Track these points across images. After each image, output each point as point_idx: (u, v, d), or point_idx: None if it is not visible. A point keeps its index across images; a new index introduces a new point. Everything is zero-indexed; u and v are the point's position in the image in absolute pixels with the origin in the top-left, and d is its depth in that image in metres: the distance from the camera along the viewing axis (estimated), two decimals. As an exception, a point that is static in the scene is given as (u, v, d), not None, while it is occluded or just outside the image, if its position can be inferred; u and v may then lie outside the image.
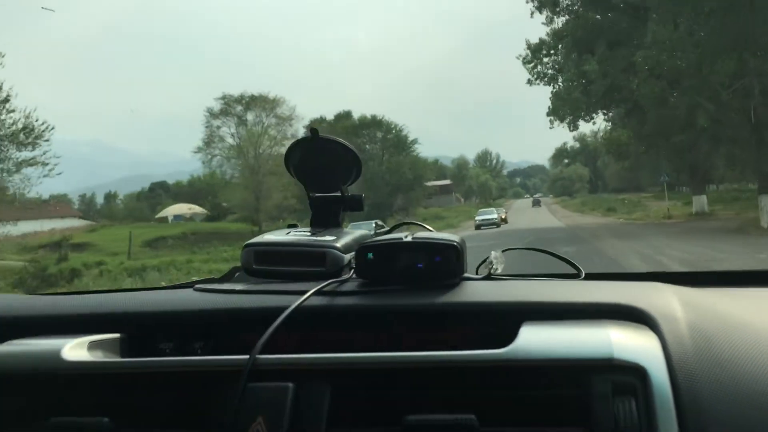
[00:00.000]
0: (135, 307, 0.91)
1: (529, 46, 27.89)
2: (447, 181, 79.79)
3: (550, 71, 27.70)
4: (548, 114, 27.32)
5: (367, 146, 48.40)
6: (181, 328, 0.85)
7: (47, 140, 17.04)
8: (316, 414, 0.67)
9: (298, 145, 1.09)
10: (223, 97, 43.14)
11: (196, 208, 58.05)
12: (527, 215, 50.60)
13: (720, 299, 0.83)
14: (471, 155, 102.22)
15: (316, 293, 0.82)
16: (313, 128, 1.06)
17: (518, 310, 0.76)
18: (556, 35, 26.09)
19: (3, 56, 16.21)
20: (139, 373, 0.75)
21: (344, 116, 51.65)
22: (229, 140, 43.31)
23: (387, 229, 1.22)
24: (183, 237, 33.91)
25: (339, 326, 0.81)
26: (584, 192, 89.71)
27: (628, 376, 0.63)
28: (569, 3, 25.75)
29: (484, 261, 1.00)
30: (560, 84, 26.18)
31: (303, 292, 0.81)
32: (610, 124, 31.62)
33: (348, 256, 0.96)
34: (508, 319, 0.74)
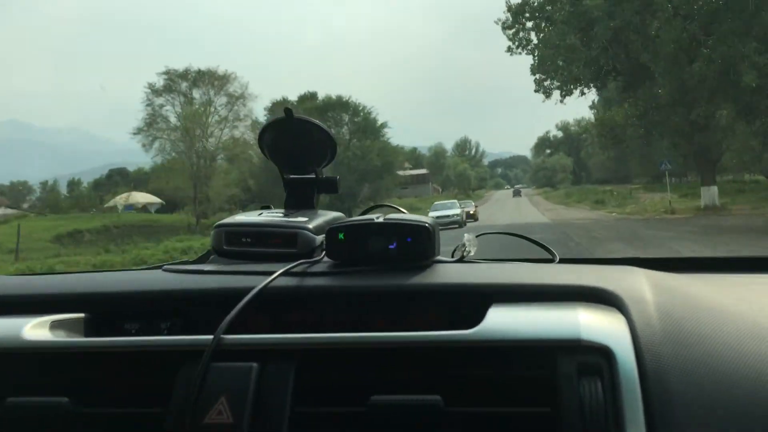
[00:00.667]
0: (101, 287, 0.90)
1: (510, 8, 23.29)
2: (423, 171, 75.34)
3: (534, 38, 23.15)
4: (534, 71, 22.63)
5: (332, 130, 43.65)
6: (148, 309, 0.84)
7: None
8: (281, 394, 0.67)
9: (272, 125, 1.08)
10: (167, 72, 38.08)
11: (151, 197, 53.05)
12: (507, 208, 46.31)
13: (691, 284, 0.82)
14: (450, 145, 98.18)
15: (284, 274, 0.82)
16: (288, 108, 1.04)
17: (488, 292, 0.76)
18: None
19: None
20: (101, 353, 0.75)
21: (309, 97, 46.86)
22: (174, 120, 38.30)
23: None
24: (105, 231, 28.98)
25: (308, 307, 0.81)
26: (567, 183, 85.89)
27: (594, 357, 0.63)
28: None
29: (458, 246, 0.98)
30: (548, 30, 21.40)
31: (271, 273, 0.81)
32: (601, 103, 26.99)
33: (320, 238, 0.95)
34: (479, 300, 0.74)
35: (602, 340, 0.63)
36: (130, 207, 52.46)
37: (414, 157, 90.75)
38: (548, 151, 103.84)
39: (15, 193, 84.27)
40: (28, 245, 23.45)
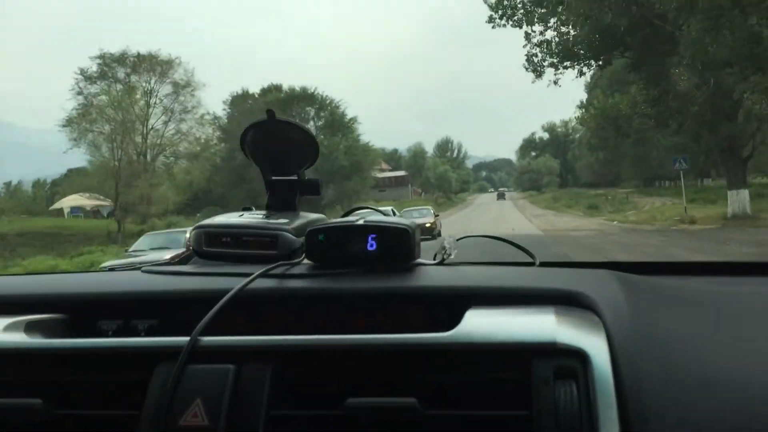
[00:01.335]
0: (79, 288, 0.91)
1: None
2: (402, 172, 70.74)
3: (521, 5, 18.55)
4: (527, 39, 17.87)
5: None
6: (126, 310, 0.83)
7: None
8: (257, 396, 0.67)
9: (253, 127, 1.08)
10: (101, 56, 33.06)
11: (101, 200, 48.02)
12: (490, 213, 41.75)
13: (668, 287, 0.84)
14: (432, 146, 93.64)
15: (263, 275, 0.82)
16: (270, 110, 1.04)
17: (467, 295, 0.77)
18: None
19: None
20: (76, 354, 0.74)
21: (272, 90, 42.06)
22: (110, 112, 33.22)
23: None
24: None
25: (287, 309, 0.81)
26: (553, 186, 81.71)
27: (570, 360, 0.63)
28: None
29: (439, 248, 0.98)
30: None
31: (250, 275, 0.81)
32: (600, 88, 22.30)
33: (301, 239, 0.94)
34: (458, 303, 0.75)
35: (577, 344, 0.64)
36: (77, 210, 47.33)
37: (395, 158, 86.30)
38: (534, 153, 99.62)
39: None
40: None
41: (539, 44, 18.54)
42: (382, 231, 0.85)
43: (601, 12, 16.21)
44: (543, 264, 1.01)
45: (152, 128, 34.24)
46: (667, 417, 0.58)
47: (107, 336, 0.80)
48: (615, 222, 22.98)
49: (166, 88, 34.45)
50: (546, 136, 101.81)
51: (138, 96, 33.66)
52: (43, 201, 54.73)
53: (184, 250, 12.21)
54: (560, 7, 17.25)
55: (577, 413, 0.59)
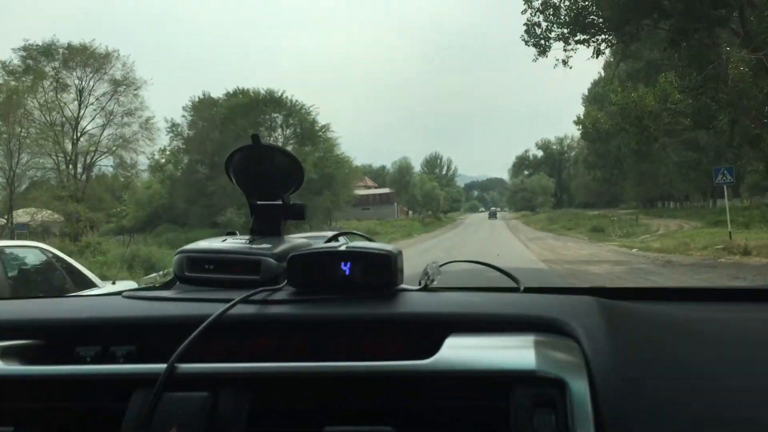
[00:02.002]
0: (57, 313, 0.90)
1: None
2: (386, 190, 65.92)
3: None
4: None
5: (260, 129, 33.98)
6: (104, 336, 0.82)
7: None
8: (234, 424, 0.67)
9: (238, 152, 1.07)
10: (25, 48, 28.26)
11: (50, 215, 42.88)
12: (479, 235, 36.89)
13: (649, 314, 0.84)
14: (420, 162, 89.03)
15: (243, 301, 0.82)
16: (255, 134, 1.04)
17: (448, 322, 0.77)
18: None
19: None
20: (52, 381, 0.74)
21: (237, 94, 37.24)
22: (37, 114, 28.31)
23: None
24: None
25: (268, 335, 0.80)
26: (548, 206, 77.18)
27: (549, 388, 0.64)
28: None
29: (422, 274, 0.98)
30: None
31: (231, 300, 0.80)
32: (622, 76, 17.70)
33: (284, 265, 0.93)
34: (438, 330, 0.75)
35: (556, 372, 0.64)
36: (22, 227, 42.32)
37: (382, 175, 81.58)
38: (526, 172, 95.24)
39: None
40: None
41: (543, 8, 13.81)
42: (365, 257, 0.84)
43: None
44: (527, 290, 1.01)
45: (84, 132, 29.34)
46: None
47: (85, 362, 0.78)
48: (634, 250, 18.08)
49: (103, 87, 29.62)
50: (540, 153, 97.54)
51: (70, 95, 28.87)
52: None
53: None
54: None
55: None
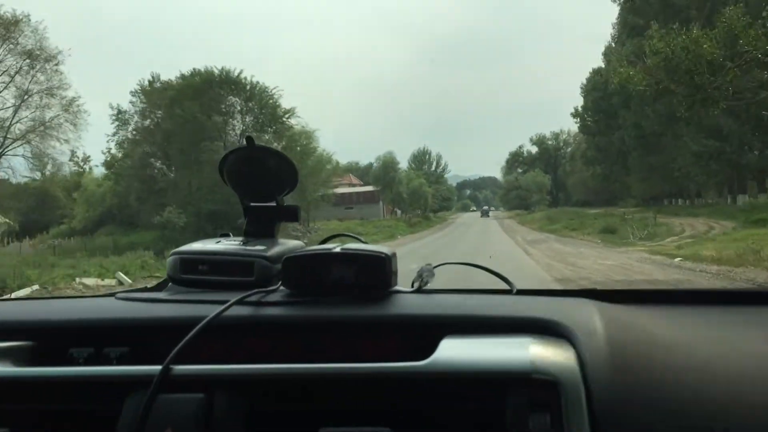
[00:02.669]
0: (50, 314, 0.89)
1: None
2: (371, 187, 60.92)
3: None
4: None
5: (213, 118, 28.91)
6: (98, 337, 0.82)
7: None
8: (230, 426, 0.67)
9: (232, 153, 1.09)
10: None
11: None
12: (469, 238, 31.96)
13: (644, 316, 0.84)
14: (411, 161, 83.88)
15: (238, 303, 0.82)
16: (249, 137, 1.06)
17: (443, 323, 0.77)
18: None
19: None
20: (46, 383, 0.74)
21: (194, 76, 32.04)
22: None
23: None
24: None
25: (263, 337, 0.81)
26: (544, 205, 72.39)
27: (544, 390, 0.64)
28: None
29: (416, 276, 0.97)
30: None
31: (225, 302, 0.80)
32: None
33: (278, 267, 0.94)
34: (434, 331, 0.75)
35: (551, 373, 0.64)
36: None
37: (369, 173, 76.64)
38: (520, 170, 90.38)
39: None
40: None
41: None
42: (359, 259, 0.84)
43: None
44: (520, 292, 1.01)
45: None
46: None
47: (78, 364, 0.78)
48: (677, 260, 13.19)
49: (13, 60, 24.53)
50: (535, 150, 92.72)
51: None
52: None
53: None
54: None
55: None
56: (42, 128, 25.83)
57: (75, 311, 0.90)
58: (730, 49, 10.78)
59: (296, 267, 0.85)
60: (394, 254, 0.89)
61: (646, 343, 0.72)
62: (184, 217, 26.21)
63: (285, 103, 30.49)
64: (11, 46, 24.58)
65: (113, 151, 34.14)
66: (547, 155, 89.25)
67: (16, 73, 24.87)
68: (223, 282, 0.94)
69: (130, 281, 14.37)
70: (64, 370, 0.74)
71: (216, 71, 30.01)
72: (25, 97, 25.39)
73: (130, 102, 33.22)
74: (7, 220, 33.52)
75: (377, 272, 0.84)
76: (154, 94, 32.40)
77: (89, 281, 13.81)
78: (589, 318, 0.75)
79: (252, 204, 1.11)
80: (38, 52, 24.83)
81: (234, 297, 0.81)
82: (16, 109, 25.36)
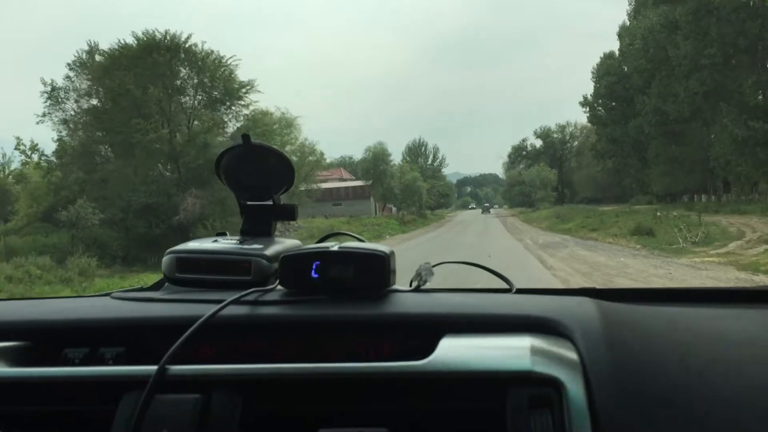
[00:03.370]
0: (45, 314, 0.89)
1: None
2: (361, 182, 55.44)
3: None
4: None
5: (150, 92, 23.35)
6: (93, 337, 0.81)
7: None
8: (226, 426, 0.66)
9: (229, 151, 1.07)
10: None
11: None
12: (467, 239, 26.65)
13: (645, 315, 0.83)
14: (407, 156, 78.01)
15: (235, 302, 0.81)
16: (245, 134, 1.04)
17: (442, 322, 0.76)
18: None
19: None
20: (40, 383, 0.74)
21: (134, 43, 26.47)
22: None
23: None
24: None
25: (260, 336, 0.80)
26: (548, 202, 66.85)
27: (545, 389, 0.64)
28: None
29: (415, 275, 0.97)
30: None
31: (222, 301, 0.80)
32: None
33: (275, 265, 0.93)
34: (433, 331, 0.75)
35: (552, 372, 0.64)
36: None
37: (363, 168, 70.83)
38: (522, 165, 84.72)
39: None
40: None
41: None
42: (357, 258, 0.84)
43: None
44: (519, 291, 1.01)
45: None
46: None
47: (73, 364, 0.77)
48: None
49: None
50: (539, 143, 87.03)
51: None
52: None
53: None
54: None
55: None
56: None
57: (70, 311, 0.89)
58: None
59: (294, 266, 0.84)
60: (392, 253, 0.88)
61: (647, 342, 0.71)
62: (99, 212, 20.75)
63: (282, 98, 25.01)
64: None
65: (63, 136, 28.74)
66: (552, 149, 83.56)
67: None
68: (219, 281, 0.93)
69: None
70: (59, 371, 0.74)
71: (158, 35, 24.43)
72: None
73: (67, 76, 27.73)
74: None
75: (375, 271, 0.84)
76: (96, 67, 26.88)
77: None
78: (590, 316, 0.75)
79: (248, 203, 1.09)
80: None
81: (231, 296, 0.81)
82: None
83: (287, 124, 38.60)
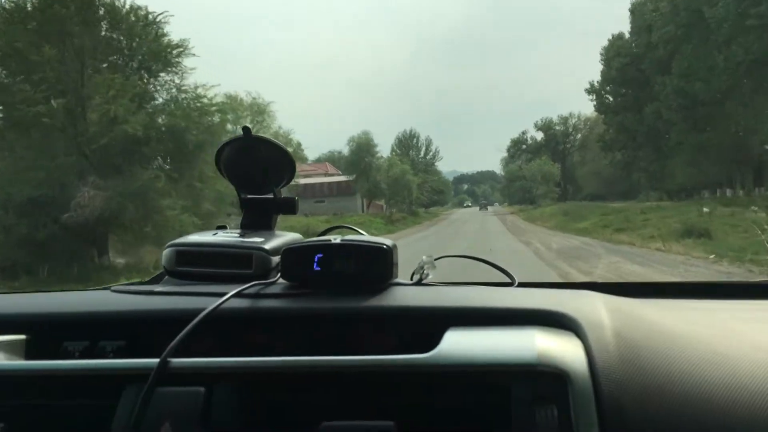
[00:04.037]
0: (44, 307, 0.89)
1: None
2: (342, 177, 50.03)
3: None
4: None
5: (45, 50, 17.79)
6: (94, 330, 0.81)
7: None
8: (228, 419, 0.67)
9: (229, 144, 1.07)
10: None
11: None
12: (461, 242, 21.24)
13: (648, 309, 0.83)
14: (397, 148, 72.27)
15: (237, 295, 0.81)
16: (246, 127, 1.04)
17: (445, 316, 0.76)
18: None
19: None
20: (40, 377, 0.74)
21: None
22: None
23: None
24: None
25: (262, 330, 0.80)
26: (550, 198, 61.51)
27: (550, 382, 0.63)
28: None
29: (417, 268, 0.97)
30: None
31: (223, 295, 0.80)
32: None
33: (276, 259, 0.94)
34: (436, 324, 0.74)
35: (558, 365, 0.63)
36: None
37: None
38: (521, 160, 79.23)
39: None
40: None
41: None
42: (359, 250, 0.83)
43: None
44: (522, 284, 1.01)
45: None
46: None
47: (73, 358, 0.78)
48: None
49: None
50: (540, 136, 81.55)
51: None
52: None
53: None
54: None
55: None
56: None
57: (70, 304, 0.89)
58: None
59: (295, 259, 0.84)
60: (395, 246, 0.86)
61: (654, 335, 0.70)
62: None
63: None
64: None
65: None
66: (554, 142, 78.15)
67: None
68: (220, 274, 0.93)
69: None
70: (59, 364, 0.74)
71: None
72: None
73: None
74: None
75: (377, 264, 0.83)
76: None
77: None
78: (595, 309, 0.74)
79: (249, 196, 1.09)
80: None
81: (232, 289, 0.80)
82: None
83: (259, 110, 33.76)
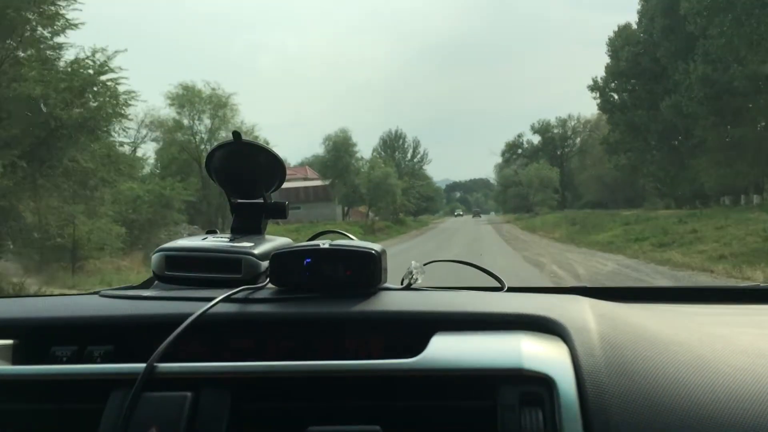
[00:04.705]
0: (33, 312, 0.89)
1: None
2: (318, 181, 44.74)
3: None
4: None
5: None
6: (82, 335, 0.81)
7: None
8: (215, 424, 0.66)
9: (219, 148, 1.07)
10: None
11: None
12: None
13: (635, 313, 0.84)
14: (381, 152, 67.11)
15: (225, 300, 0.81)
16: (236, 131, 1.04)
17: (433, 320, 0.76)
18: None
19: None
20: (28, 381, 0.74)
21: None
22: None
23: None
24: None
25: (250, 334, 0.80)
26: (548, 206, 56.47)
27: (536, 386, 0.64)
28: None
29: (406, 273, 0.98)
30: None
31: (212, 299, 0.80)
32: None
33: (265, 264, 0.94)
34: (424, 329, 0.74)
35: (544, 370, 0.64)
36: None
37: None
38: (516, 165, 74.20)
39: None
40: None
41: None
42: (348, 255, 0.84)
43: None
44: (511, 289, 1.02)
45: None
46: None
47: (61, 362, 0.77)
48: None
49: None
50: (537, 139, 76.51)
51: None
52: None
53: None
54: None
55: None
56: None
57: (58, 309, 0.89)
58: None
59: (284, 264, 0.84)
60: (383, 251, 0.87)
61: (640, 340, 0.71)
62: None
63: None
64: None
65: None
66: (552, 146, 73.07)
67: None
68: (209, 279, 0.93)
69: None
70: (47, 369, 0.74)
71: None
72: None
73: None
74: None
75: (366, 269, 0.83)
76: None
77: None
78: (581, 314, 0.75)
79: (239, 201, 1.09)
80: None
81: (221, 294, 0.81)
82: None
83: (219, 103, 28.73)
